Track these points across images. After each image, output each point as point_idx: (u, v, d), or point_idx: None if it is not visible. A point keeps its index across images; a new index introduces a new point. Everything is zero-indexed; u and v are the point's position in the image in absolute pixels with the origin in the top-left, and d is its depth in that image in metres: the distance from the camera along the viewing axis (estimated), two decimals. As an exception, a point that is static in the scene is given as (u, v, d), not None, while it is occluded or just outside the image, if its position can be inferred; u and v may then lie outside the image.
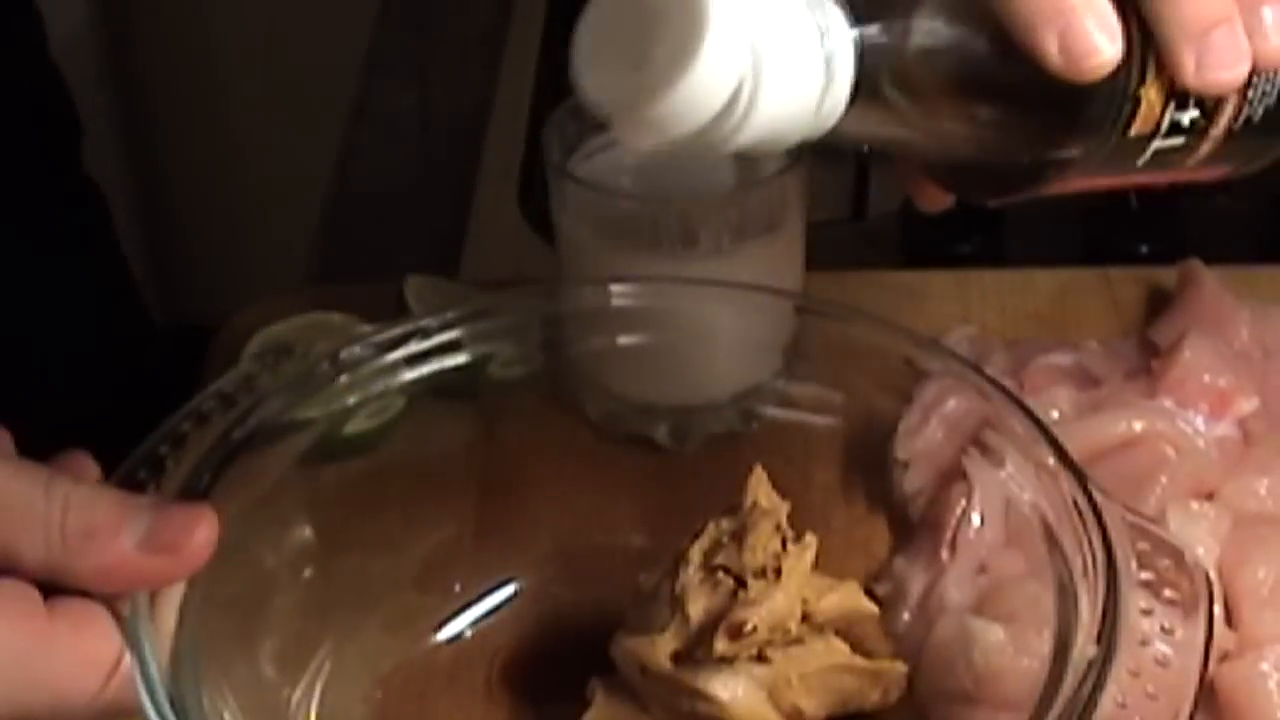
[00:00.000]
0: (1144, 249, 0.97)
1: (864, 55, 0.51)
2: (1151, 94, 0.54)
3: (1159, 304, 0.85)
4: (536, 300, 0.71)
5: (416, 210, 1.03)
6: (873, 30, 0.51)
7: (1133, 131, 0.54)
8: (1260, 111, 0.57)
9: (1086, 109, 0.53)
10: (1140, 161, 0.56)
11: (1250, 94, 0.56)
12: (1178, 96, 0.55)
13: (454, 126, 1.09)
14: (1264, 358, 0.80)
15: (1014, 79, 0.53)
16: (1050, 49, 0.52)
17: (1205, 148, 0.57)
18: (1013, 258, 0.97)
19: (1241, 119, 0.57)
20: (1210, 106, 0.56)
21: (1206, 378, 0.76)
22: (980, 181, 0.57)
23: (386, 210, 1.03)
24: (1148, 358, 0.79)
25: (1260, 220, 1.01)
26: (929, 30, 0.52)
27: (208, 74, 1.90)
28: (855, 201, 1.02)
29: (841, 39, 0.50)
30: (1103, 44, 0.52)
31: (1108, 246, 0.97)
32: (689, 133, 0.49)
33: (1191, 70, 0.54)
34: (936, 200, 0.64)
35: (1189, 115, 0.55)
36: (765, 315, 0.72)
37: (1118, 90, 0.53)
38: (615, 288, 0.70)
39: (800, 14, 0.50)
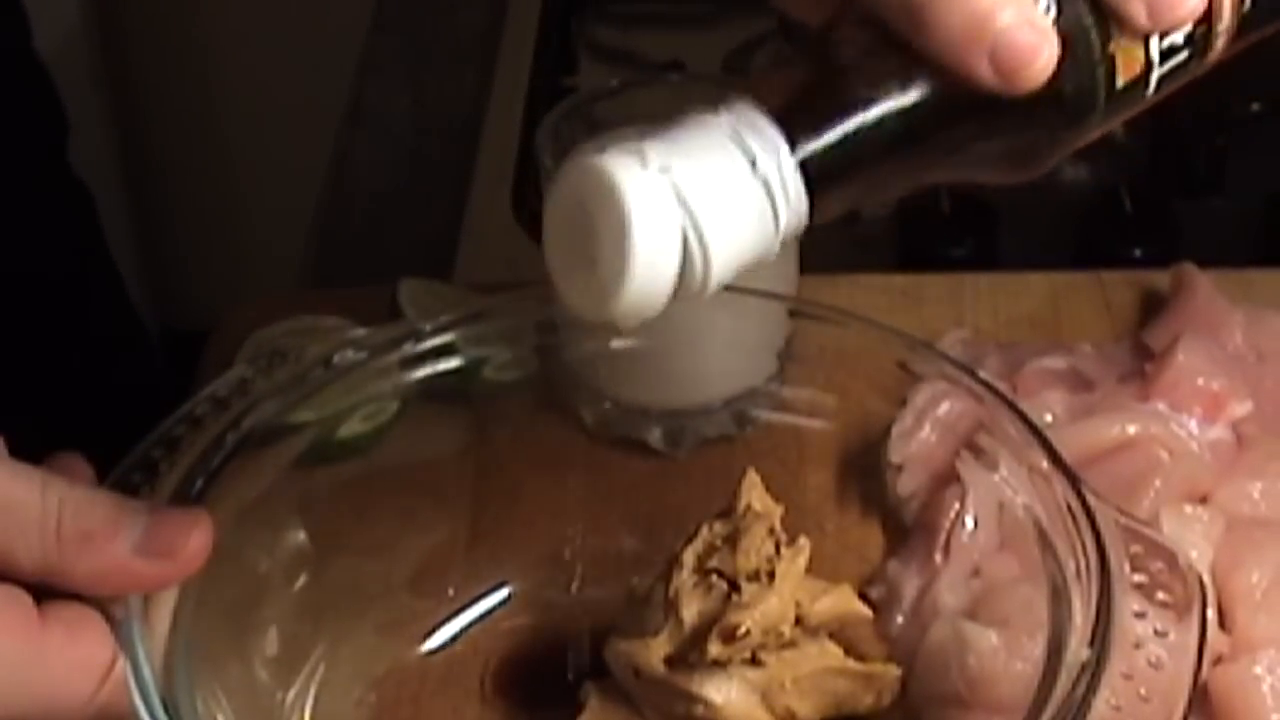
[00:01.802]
0: (1137, 252, 0.97)
1: (813, 157, 0.50)
2: (1123, 44, 0.52)
3: (1153, 307, 0.85)
4: (530, 304, 0.71)
5: (410, 213, 1.03)
6: (811, 134, 0.50)
7: (1122, 83, 0.53)
8: None
9: (1061, 96, 0.52)
10: (1148, 93, 0.54)
11: None
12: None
13: (448, 129, 1.09)
14: (1258, 361, 0.80)
15: (975, 104, 0.51)
16: (984, 73, 0.50)
17: (1220, 41, 0.55)
18: (1006, 261, 0.97)
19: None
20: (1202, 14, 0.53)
21: (1200, 381, 0.76)
22: (990, 174, 0.56)
23: (380, 213, 1.03)
24: (1141, 361, 0.79)
25: (1254, 223, 1.01)
26: (869, 104, 0.51)
27: (201, 76, 1.90)
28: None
29: (775, 159, 0.50)
30: (1033, 47, 0.50)
31: (1101, 249, 0.97)
32: (662, 303, 0.50)
33: (1146, 20, 0.52)
34: None
35: (1182, 32, 0.53)
36: (759, 318, 0.72)
37: (1083, 63, 0.52)
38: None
39: (724, 153, 0.49)
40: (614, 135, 0.50)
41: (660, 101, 0.79)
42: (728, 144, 0.50)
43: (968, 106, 0.52)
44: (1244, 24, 0.55)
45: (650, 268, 0.49)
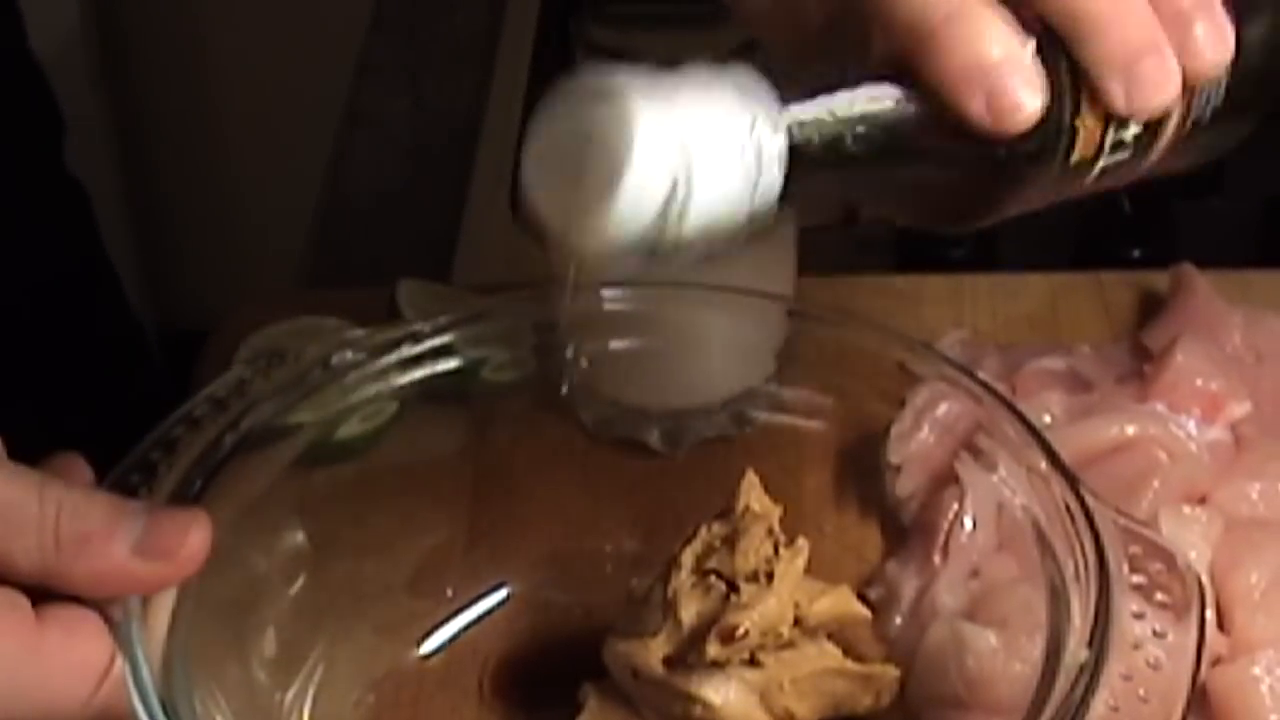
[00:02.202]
0: (1136, 253, 0.97)
1: (797, 135, 0.52)
2: (1089, 122, 0.55)
3: (1151, 308, 0.85)
4: (529, 304, 0.71)
5: (409, 214, 1.02)
6: (803, 111, 0.52)
7: (1075, 158, 0.55)
8: (1209, 113, 0.58)
9: (1024, 150, 0.54)
10: (1089, 179, 0.57)
11: (1195, 100, 0.57)
12: (1116, 119, 0.55)
13: (446, 130, 1.09)
14: (1256, 362, 0.80)
15: (948, 135, 0.53)
16: (977, 109, 0.52)
17: (1155, 154, 0.57)
18: (1005, 262, 0.97)
19: (1190, 123, 0.57)
20: (1154, 121, 0.56)
21: (1199, 382, 0.76)
22: (932, 216, 0.58)
23: (378, 214, 1.03)
24: (1140, 362, 0.79)
25: (1253, 224, 1.01)
26: (858, 101, 0.53)
27: (199, 76, 1.90)
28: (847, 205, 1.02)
29: (771, 124, 0.51)
30: (1026, 98, 0.53)
31: (1100, 250, 0.97)
32: (630, 235, 0.51)
33: (1121, 100, 0.54)
34: None
35: (1131, 132, 0.56)
36: (758, 319, 0.72)
37: (1052, 126, 0.54)
38: (607, 292, 0.70)
39: (729, 106, 0.51)
40: (625, 67, 0.51)
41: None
42: (734, 100, 0.51)
43: (938, 136, 0.53)
44: (1177, 144, 0.58)
45: (635, 199, 0.50)
